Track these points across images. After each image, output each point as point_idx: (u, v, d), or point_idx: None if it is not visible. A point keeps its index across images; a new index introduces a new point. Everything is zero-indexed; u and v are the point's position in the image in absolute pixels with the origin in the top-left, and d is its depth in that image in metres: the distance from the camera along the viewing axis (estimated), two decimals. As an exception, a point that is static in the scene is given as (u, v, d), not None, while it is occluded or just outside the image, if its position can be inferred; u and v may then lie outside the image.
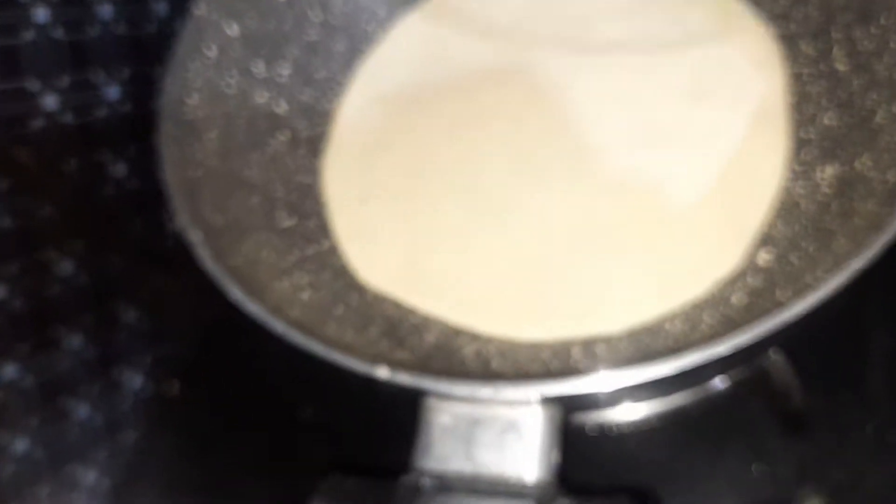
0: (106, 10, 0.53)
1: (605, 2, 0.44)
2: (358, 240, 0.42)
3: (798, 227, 0.35)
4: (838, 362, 0.41)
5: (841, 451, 0.39)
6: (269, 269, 0.39)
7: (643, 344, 0.34)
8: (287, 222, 0.42)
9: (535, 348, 0.34)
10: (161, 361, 0.70)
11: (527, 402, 0.29)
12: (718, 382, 0.41)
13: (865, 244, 0.29)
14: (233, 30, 0.44)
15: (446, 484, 0.27)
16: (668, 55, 0.41)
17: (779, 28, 0.41)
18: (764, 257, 0.35)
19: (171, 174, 0.37)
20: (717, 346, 0.27)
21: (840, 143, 0.36)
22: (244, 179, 0.42)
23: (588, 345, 0.35)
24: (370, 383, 0.31)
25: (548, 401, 0.28)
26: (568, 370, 0.32)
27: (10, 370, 0.54)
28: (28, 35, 0.48)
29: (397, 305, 0.39)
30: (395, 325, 0.38)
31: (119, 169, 0.60)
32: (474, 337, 0.36)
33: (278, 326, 0.31)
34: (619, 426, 0.41)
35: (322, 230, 0.42)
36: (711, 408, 0.41)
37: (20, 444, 0.56)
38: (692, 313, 0.35)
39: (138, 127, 0.59)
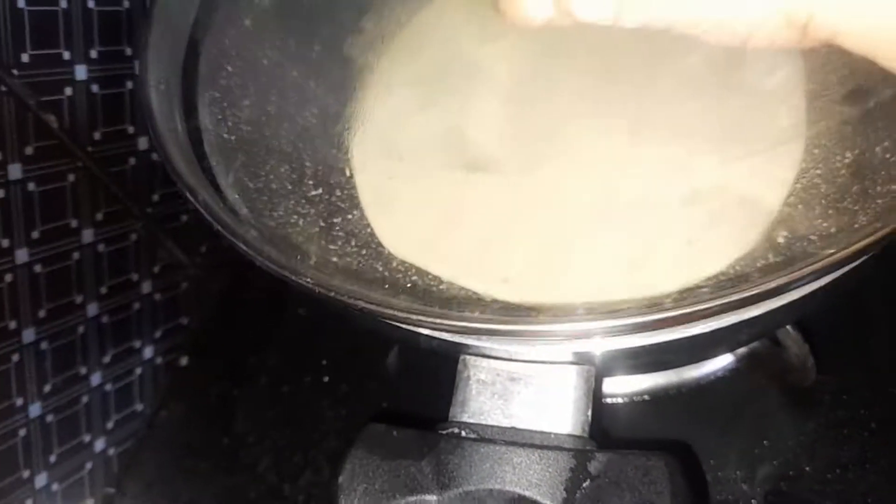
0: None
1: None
2: (384, 212, 0.42)
3: (819, 209, 0.36)
4: (850, 341, 0.42)
5: (850, 428, 0.40)
6: (300, 234, 0.40)
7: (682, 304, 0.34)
8: (314, 192, 0.43)
9: (568, 310, 0.35)
10: (173, 331, 0.71)
11: (560, 362, 0.29)
12: (734, 358, 0.42)
13: (888, 221, 0.30)
14: (265, 3, 0.45)
15: (484, 436, 0.28)
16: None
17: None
18: (784, 235, 0.36)
19: (207, 135, 0.38)
20: (746, 308, 0.28)
21: (860, 128, 0.37)
22: (274, 148, 0.43)
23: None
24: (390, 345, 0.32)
25: (581, 360, 0.29)
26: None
27: (29, 333, 0.55)
28: (63, 2, 0.49)
29: (423, 274, 0.40)
30: (423, 294, 0.39)
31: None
32: (506, 303, 0.37)
33: (326, 282, 0.31)
34: (633, 398, 0.42)
35: (350, 201, 0.43)
36: (722, 385, 0.42)
37: (34, 409, 0.57)
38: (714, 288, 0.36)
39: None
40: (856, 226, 0.34)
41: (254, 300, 0.60)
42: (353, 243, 0.41)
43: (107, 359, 0.64)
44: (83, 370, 0.62)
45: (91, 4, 0.51)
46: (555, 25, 0.28)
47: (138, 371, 0.68)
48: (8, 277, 0.52)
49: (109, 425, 0.65)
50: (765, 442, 0.40)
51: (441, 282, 0.39)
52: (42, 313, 0.56)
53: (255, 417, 0.53)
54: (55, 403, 0.59)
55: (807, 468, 0.39)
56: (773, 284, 0.26)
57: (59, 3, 0.49)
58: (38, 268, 0.54)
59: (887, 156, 0.35)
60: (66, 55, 0.51)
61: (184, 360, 0.62)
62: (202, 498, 0.50)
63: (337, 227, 0.41)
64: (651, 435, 0.40)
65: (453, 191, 0.41)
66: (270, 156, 0.42)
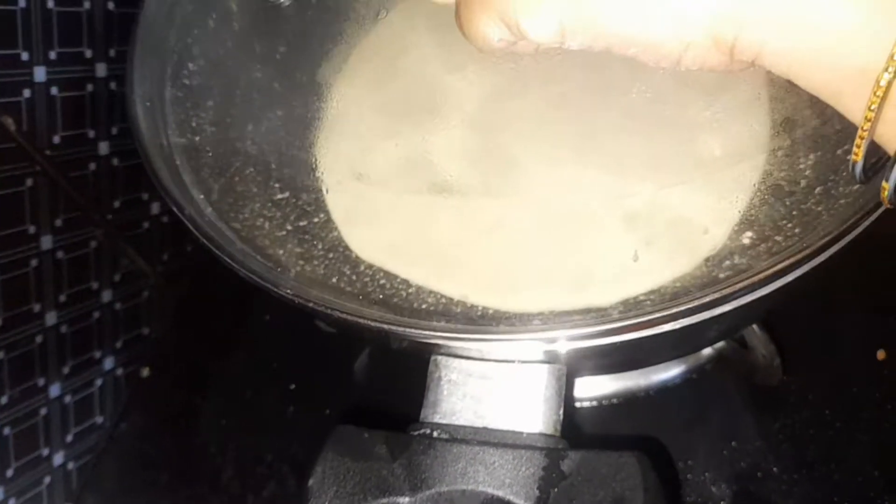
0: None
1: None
2: (351, 214, 0.42)
3: (783, 210, 0.37)
4: (816, 341, 0.42)
5: (816, 428, 0.40)
6: (266, 237, 0.39)
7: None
8: (281, 195, 0.42)
9: (534, 314, 0.35)
10: (134, 340, 0.69)
11: (531, 361, 0.29)
12: (702, 360, 0.42)
13: (849, 222, 0.30)
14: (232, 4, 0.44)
15: (456, 436, 0.28)
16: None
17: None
18: (750, 237, 0.37)
19: (174, 135, 0.37)
20: (707, 307, 0.28)
21: (823, 130, 0.38)
22: (239, 150, 0.42)
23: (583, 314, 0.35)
24: (357, 351, 0.32)
25: (551, 359, 0.29)
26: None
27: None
28: (22, 2, 0.48)
29: (391, 277, 0.39)
30: (390, 297, 0.39)
31: (103, 146, 0.60)
32: (471, 306, 0.37)
33: (288, 284, 0.31)
34: (602, 401, 0.42)
35: (316, 204, 0.43)
36: (690, 387, 0.42)
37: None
38: (680, 290, 0.36)
39: (122, 104, 0.59)
40: (818, 225, 0.34)
41: (216, 307, 0.59)
42: (319, 247, 0.41)
43: (66, 370, 0.63)
44: (41, 381, 0.60)
45: (51, 5, 0.50)
46: (516, 49, 0.28)
47: (98, 382, 0.66)
48: (-37, 285, 0.51)
49: (69, 438, 0.64)
50: (733, 443, 0.40)
51: (410, 285, 0.39)
52: (-2, 321, 0.55)
53: (218, 427, 0.52)
54: (12, 416, 0.57)
55: (774, 468, 0.39)
56: (706, 299, 0.28)
57: (17, 2, 0.48)
58: (-6, 275, 0.53)
59: (848, 157, 0.36)
60: (25, 56, 0.50)
61: (145, 372, 0.61)
62: (164, 511, 0.49)
63: (303, 231, 0.41)
64: (618, 436, 0.40)
65: (419, 207, 0.41)
66: (236, 157, 0.42)
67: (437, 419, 0.29)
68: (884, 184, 0.25)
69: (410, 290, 0.39)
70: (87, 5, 0.54)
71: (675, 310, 0.27)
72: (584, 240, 0.38)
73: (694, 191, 0.38)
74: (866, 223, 0.31)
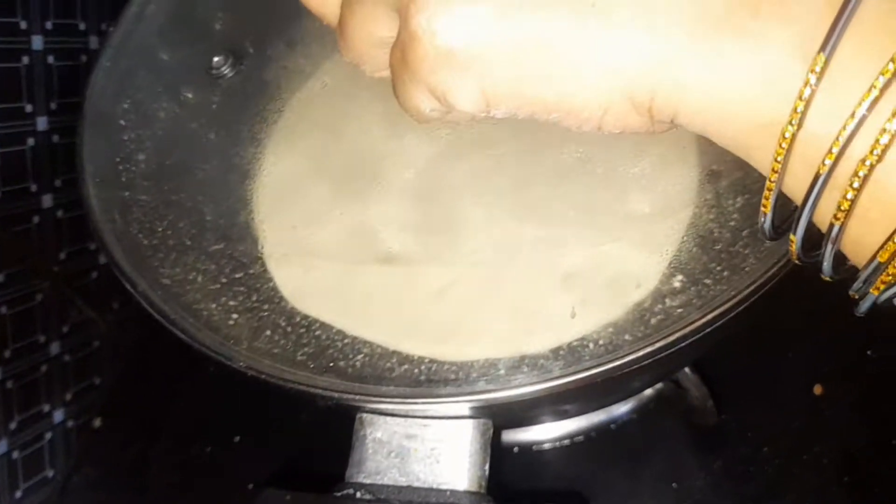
0: (36, 41, 0.53)
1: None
2: (287, 264, 0.42)
3: (712, 252, 0.37)
4: (751, 379, 0.42)
5: (755, 465, 0.40)
6: (199, 290, 0.39)
7: (566, 363, 0.35)
8: (216, 246, 0.42)
9: (464, 366, 0.35)
10: (85, 391, 0.68)
11: (457, 417, 0.29)
12: (646, 399, 0.42)
13: (772, 265, 0.31)
14: (162, 56, 0.45)
15: (380, 496, 0.28)
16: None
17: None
18: (681, 280, 0.37)
19: (99, 192, 0.37)
20: (630, 356, 0.28)
21: (749, 174, 0.38)
22: (173, 202, 0.42)
23: (515, 364, 0.36)
24: (303, 402, 0.32)
25: (477, 415, 0.29)
26: (495, 386, 0.33)
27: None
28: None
29: (326, 328, 0.39)
30: (325, 348, 0.38)
31: (46, 199, 0.60)
32: (405, 357, 0.37)
33: (211, 342, 0.31)
34: (544, 445, 0.42)
35: (251, 254, 0.42)
36: (631, 427, 0.42)
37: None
38: (613, 335, 0.37)
39: (66, 157, 0.59)
40: (746, 268, 0.35)
41: (166, 356, 0.58)
42: (254, 298, 0.40)
43: (13, 425, 0.61)
44: (-15, 438, 0.59)
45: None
46: (450, 119, 0.29)
47: (48, 436, 0.65)
48: None
49: (18, 494, 0.63)
50: (674, 484, 0.40)
51: (345, 335, 0.39)
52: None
53: (166, 480, 0.52)
54: (-44, 474, 0.56)
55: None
56: (640, 353, 0.29)
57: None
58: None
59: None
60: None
61: (97, 422, 0.60)
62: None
63: (238, 283, 0.41)
64: (561, 481, 0.40)
65: (358, 271, 0.41)
66: (169, 210, 0.41)
67: (362, 479, 0.28)
68: (791, 236, 0.25)
69: (346, 342, 0.38)
70: (25, 60, 0.53)
71: (588, 372, 0.28)
72: (524, 301, 0.38)
73: (626, 247, 0.39)
74: (789, 267, 0.31)
